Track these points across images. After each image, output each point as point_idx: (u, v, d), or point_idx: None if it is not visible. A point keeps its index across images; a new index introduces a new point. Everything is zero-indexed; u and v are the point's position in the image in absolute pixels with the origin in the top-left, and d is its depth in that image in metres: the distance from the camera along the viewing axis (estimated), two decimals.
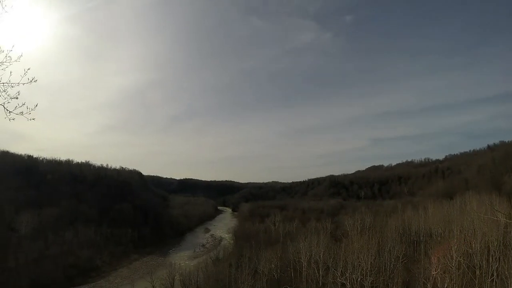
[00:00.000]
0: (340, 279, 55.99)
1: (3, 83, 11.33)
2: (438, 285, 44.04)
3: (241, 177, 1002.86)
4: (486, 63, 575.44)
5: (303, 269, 71.60)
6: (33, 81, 11.52)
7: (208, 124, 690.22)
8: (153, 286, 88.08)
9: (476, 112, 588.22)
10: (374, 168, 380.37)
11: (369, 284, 52.03)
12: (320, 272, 64.77)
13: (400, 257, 59.67)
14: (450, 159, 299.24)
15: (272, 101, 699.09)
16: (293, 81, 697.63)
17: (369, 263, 53.83)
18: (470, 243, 53.14)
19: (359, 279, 53.42)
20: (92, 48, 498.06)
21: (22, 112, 11.51)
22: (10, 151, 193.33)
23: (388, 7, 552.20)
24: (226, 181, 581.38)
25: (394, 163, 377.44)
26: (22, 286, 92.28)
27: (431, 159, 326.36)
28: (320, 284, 63.63)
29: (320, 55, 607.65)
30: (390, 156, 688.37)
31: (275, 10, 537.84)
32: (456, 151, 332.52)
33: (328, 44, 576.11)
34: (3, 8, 11.11)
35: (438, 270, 45.01)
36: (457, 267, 46.19)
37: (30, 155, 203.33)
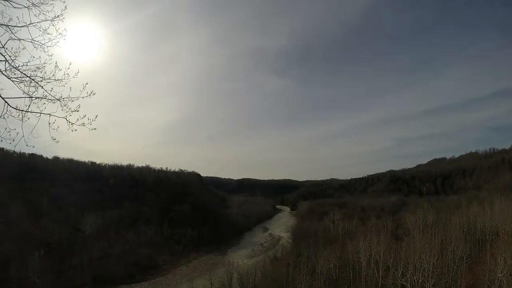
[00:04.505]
0: (400, 280, 55.28)
1: (64, 98, 12.37)
2: None
3: (299, 175, 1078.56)
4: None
5: (362, 269, 70.73)
6: (91, 94, 12.55)
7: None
8: (211, 284, 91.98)
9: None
10: (436, 161, 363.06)
11: (430, 286, 51.23)
12: (380, 273, 63.67)
13: (464, 258, 58.16)
14: None
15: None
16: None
17: (432, 263, 52.48)
18: None
19: (420, 280, 52.64)
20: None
21: (83, 123, 12.50)
22: (74, 159, 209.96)
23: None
24: (284, 179, 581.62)
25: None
26: (86, 282, 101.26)
27: (496, 149, 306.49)
28: (380, 285, 62.80)
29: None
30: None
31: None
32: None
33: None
34: (57, 30, 12.28)
35: (505, 272, 44.22)
36: None
37: (93, 162, 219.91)
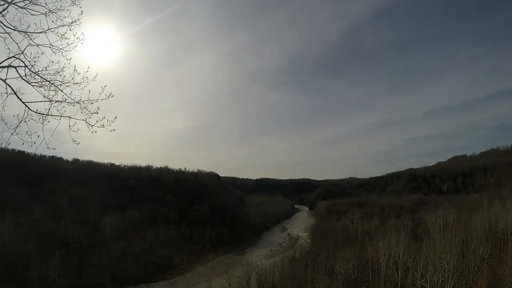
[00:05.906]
0: (420, 281, 54.10)
1: (83, 101, 12.50)
2: None
3: (318, 175, 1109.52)
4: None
5: (382, 270, 70.05)
6: (110, 96, 12.72)
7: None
8: (229, 284, 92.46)
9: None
10: (456, 159, 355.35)
11: (450, 287, 50.40)
12: (399, 273, 62.76)
13: (485, 258, 57.08)
14: None
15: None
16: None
17: (452, 264, 51.34)
18: None
19: (440, 281, 51.82)
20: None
21: (103, 125, 12.70)
22: (94, 161, 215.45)
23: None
24: (302, 179, 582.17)
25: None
26: (105, 281, 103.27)
27: None
28: (399, 286, 62.02)
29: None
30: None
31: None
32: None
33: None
34: (74, 35, 12.47)
35: None
36: None
37: (112, 163, 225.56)
